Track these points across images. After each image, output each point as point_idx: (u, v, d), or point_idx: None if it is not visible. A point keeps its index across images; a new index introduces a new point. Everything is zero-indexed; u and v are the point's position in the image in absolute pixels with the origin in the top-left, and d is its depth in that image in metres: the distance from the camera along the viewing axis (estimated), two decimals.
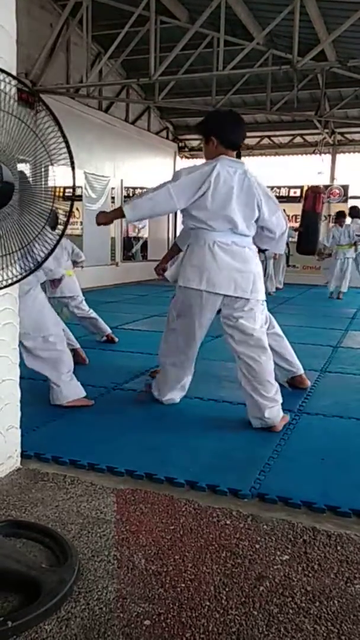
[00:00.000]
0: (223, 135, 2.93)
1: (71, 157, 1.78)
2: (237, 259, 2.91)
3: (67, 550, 1.76)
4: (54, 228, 1.90)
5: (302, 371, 3.74)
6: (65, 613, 1.53)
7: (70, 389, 3.21)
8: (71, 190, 1.89)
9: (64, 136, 1.78)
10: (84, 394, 3.26)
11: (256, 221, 2.96)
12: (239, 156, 3.22)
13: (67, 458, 2.52)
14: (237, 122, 3.03)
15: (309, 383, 3.78)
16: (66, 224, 1.84)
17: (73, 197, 1.87)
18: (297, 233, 10.69)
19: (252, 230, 2.98)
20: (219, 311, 3.02)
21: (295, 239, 11.08)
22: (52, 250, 1.89)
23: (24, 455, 2.51)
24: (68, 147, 1.79)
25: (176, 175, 2.90)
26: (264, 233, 3.03)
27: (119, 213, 2.96)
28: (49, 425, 2.97)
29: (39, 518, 2.02)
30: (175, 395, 3.32)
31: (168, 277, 3.24)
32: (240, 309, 2.94)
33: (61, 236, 1.87)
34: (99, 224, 3.07)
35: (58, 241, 1.89)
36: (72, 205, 1.86)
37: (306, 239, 10.54)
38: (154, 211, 2.94)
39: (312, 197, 10.72)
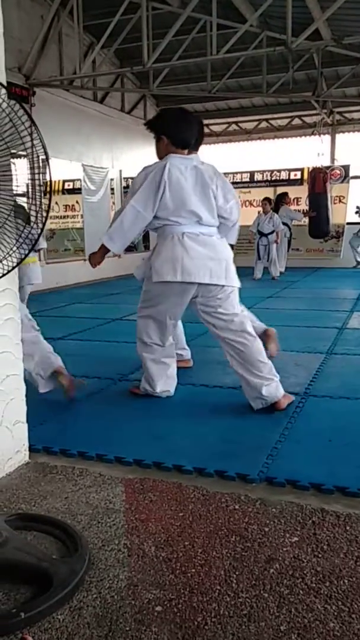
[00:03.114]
0: (174, 134, 2.95)
1: (44, 148, 1.81)
2: (207, 247, 2.94)
3: (78, 540, 1.78)
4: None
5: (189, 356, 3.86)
6: (77, 602, 1.55)
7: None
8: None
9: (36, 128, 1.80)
10: (58, 363, 3.14)
11: None
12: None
13: (75, 450, 2.54)
14: (188, 121, 3.03)
15: (191, 364, 3.87)
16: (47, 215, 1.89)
17: (50, 189, 1.91)
18: (307, 217, 10.69)
19: (217, 220, 3.01)
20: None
21: (301, 222, 11.07)
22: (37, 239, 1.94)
23: (32, 449, 2.53)
24: (41, 139, 1.81)
25: (132, 190, 2.95)
26: (221, 220, 3.04)
27: (104, 248, 3.04)
28: (56, 418, 2.98)
29: (49, 510, 2.04)
30: (168, 386, 3.25)
31: (136, 276, 3.23)
32: (215, 297, 2.95)
33: (44, 224, 1.92)
34: (94, 265, 3.16)
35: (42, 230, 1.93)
36: (50, 199, 1.90)
37: (318, 221, 10.52)
38: (132, 232, 2.99)
39: (312, 179, 10.70)
